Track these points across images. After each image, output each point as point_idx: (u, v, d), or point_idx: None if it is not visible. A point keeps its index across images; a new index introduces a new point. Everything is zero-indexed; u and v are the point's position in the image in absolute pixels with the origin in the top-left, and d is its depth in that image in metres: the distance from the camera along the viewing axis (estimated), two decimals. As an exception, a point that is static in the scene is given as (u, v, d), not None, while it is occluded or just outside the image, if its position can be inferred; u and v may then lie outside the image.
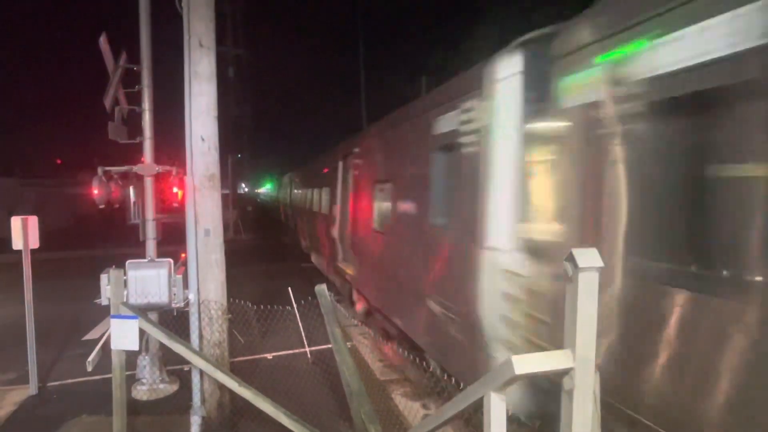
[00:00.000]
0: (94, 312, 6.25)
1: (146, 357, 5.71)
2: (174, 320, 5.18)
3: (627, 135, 2.44)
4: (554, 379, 1.96)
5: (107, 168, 5.74)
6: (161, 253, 5.69)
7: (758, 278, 1.87)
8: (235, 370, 4.87)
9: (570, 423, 1.88)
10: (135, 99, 5.72)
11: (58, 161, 37.82)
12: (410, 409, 5.19)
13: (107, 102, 5.69)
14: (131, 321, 4.29)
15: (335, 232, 9.33)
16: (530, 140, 3.20)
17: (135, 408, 5.22)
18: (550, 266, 2.96)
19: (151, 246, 5.77)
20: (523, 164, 3.25)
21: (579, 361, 1.85)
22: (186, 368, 5.58)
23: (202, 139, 4.78)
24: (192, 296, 4.79)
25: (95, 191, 5.67)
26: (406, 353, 4.09)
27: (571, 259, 1.83)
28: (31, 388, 5.71)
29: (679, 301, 2.16)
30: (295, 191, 18.57)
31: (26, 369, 5.75)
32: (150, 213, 5.75)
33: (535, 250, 3.13)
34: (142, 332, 4.43)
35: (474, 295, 3.61)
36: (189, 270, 4.81)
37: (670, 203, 2.30)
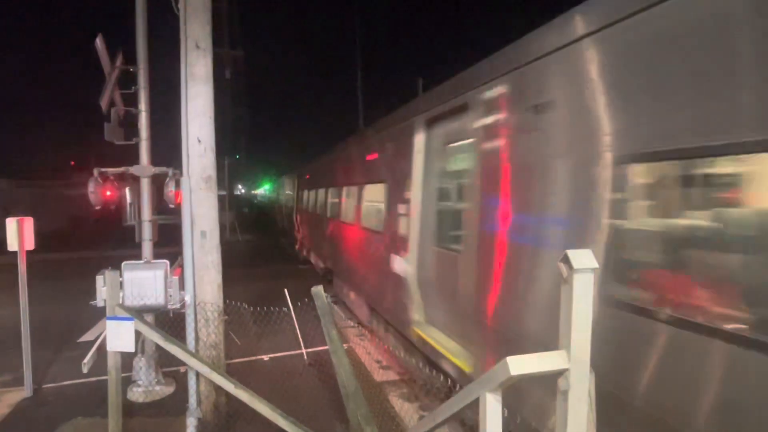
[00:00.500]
0: (89, 314, 6.22)
1: (142, 359, 5.69)
2: (170, 322, 5.16)
3: None
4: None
5: (103, 169, 5.73)
6: (157, 255, 5.68)
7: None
8: (231, 372, 4.86)
9: (565, 423, 1.89)
10: (131, 100, 5.71)
11: (54, 162, 37.67)
12: (407, 410, 5.19)
13: (103, 103, 5.67)
14: (127, 323, 4.28)
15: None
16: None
17: (130, 410, 5.21)
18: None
19: (147, 247, 5.76)
20: None
21: (574, 362, 1.86)
22: (182, 370, 5.58)
23: (199, 141, 4.78)
24: (188, 298, 4.78)
25: (91, 192, 5.65)
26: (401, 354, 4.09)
27: (566, 260, 1.83)
28: (26, 390, 5.69)
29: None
30: (308, 192, 14.74)
31: (21, 371, 5.73)
32: (146, 214, 5.74)
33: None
34: (137, 334, 4.42)
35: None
36: (185, 271, 4.81)
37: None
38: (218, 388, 4.69)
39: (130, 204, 5.89)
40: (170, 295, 5.09)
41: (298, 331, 6.80)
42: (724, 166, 2.14)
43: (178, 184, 5.28)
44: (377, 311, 6.83)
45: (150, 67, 5.67)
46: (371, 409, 4.26)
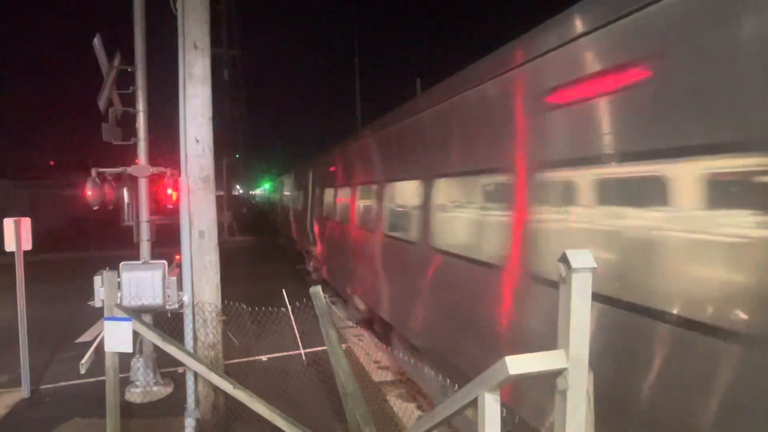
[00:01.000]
0: (87, 314, 6.21)
1: (140, 359, 5.68)
2: (168, 322, 5.15)
3: None
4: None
5: (101, 169, 5.71)
6: (155, 255, 5.67)
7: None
8: (229, 372, 4.86)
9: (564, 423, 1.89)
10: (129, 100, 5.70)
11: (51, 162, 37.58)
12: (405, 410, 5.19)
13: (101, 103, 5.67)
14: (125, 323, 4.27)
15: None
16: None
17: (128, 411, 5.19)
18: None
19: (145, 247, 5.75)
20: None
21: (572, 361, 1.86)
22: (180, 370, 5.57)
23: (197, 141, 4.78)
24: (186, 298, 4.77)
25: (89, 193, 5.64)
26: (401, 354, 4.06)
27: (564, 260, 1.83)
28: (24, 391, 5.67)
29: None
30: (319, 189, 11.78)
31: (18, 372, 5.71)
32: (144, 214, 5.73)
33: None
34: (135, 334, 4.41)
35: None
36: (183, 272, 4.80)
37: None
38: (217, 389, 4.68)
39: (128, 204, 5.88)
40: (168, 296, 5.09)
41: (296, 331, 6.80)
42: None
43: (176, 185, 5.27)
44: None
45: (148, 67, 5.66)
46: (370, 409, 4.26)
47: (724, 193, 2.16)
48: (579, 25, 2.87)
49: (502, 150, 3.75)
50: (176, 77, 4.75)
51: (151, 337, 4.44)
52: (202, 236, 4.84)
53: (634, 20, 2.47)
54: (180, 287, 4.98)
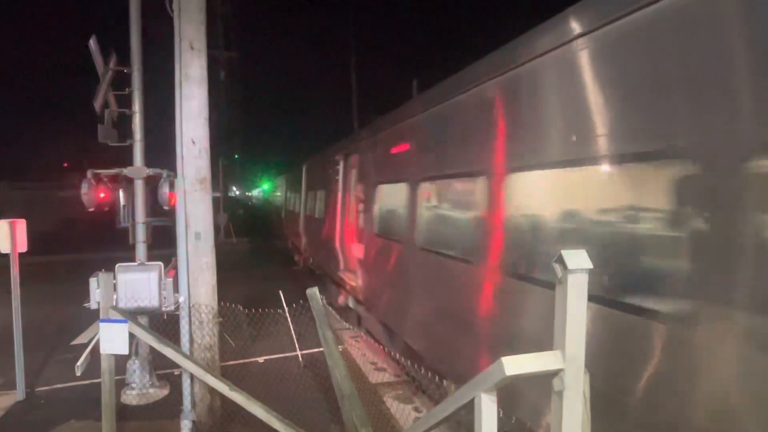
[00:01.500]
0: (83, 316, 6.19)
1: (136, 361, 5.66)
2: (164, 324, 5.14)
3: None
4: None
5: (97, 171, 5.69)
6: (151, 257, 5.65)
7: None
8: (226, 374, 4.85)
9: (560, 424, 1.89)
10: (125, 101, 5.69)
11: (48, 164, 37.40)
12: (402, 411, 5.19)
13: (97, 104, 5.65)
14: (121, 325, 4.25)
15: None
16: None
17: (124, 413, 5.17)
18: None
19: (141, 249, 5.73)
20: None
21: (569, 362, 1.86)
22: (176, 372, 5.54)
23: (193, 142, 4.77)
24: (182, 300, 4.76)
25: (84, 194, 5.62)
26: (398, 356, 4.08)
27: (560, 260, 1.83)
28: (19, 393, 5.63)
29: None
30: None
31: (13, 374, 5.68)
32: (140, 216, 5.71)
33: None
34: (131, 336, 4.39)
35: None
36: (179, 273, 4.78)
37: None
38: (213, 391, 4.67)
39: (124, 206, 5.86)
40: (164, 297, 5.08)
41: (293, 332, 6.78)
42: None
43: (172, 186, 5.26)
44: None
45: (144, 69, 5.65)
46: (367, 410, 4.26)
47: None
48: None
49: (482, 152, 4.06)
50: (172, 78, 4.74)
51: (147, 339, 4.42)
52: (198, 238, 4.82)
53: None
54: (176, 289, 4.97)
